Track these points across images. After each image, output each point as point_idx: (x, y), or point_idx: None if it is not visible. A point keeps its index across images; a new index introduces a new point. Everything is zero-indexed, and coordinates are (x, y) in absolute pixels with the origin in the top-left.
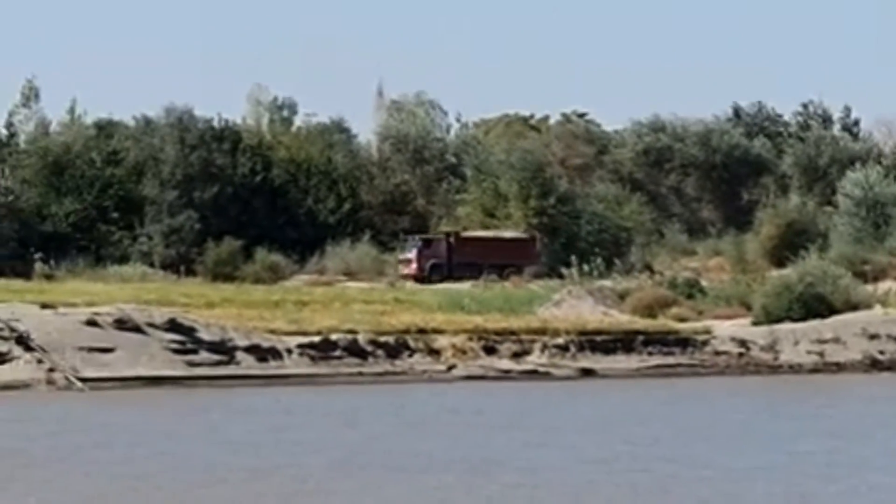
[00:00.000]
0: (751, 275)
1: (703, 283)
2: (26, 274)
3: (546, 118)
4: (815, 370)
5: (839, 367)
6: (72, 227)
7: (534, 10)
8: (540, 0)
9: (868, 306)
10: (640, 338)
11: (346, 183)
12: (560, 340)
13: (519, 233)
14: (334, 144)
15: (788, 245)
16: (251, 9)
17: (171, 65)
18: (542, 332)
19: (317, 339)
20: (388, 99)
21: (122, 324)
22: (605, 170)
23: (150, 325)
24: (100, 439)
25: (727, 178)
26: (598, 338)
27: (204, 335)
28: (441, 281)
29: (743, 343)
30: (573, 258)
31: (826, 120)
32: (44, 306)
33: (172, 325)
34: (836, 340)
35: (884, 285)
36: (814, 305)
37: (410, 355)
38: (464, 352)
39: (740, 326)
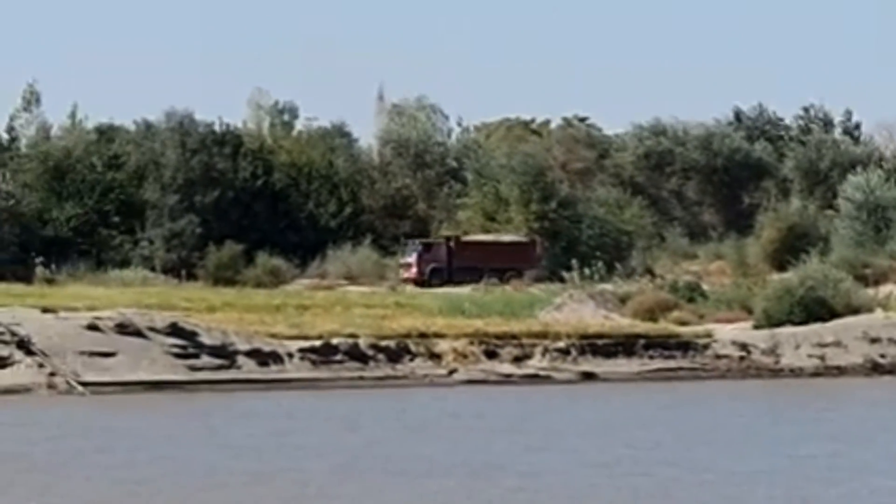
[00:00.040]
0: (752, 278)
1: (705, 286)
2: (27, 278)
3: (547, 122)
4: (816, 374)
5: (840, 371)
6: (73, 231)
7: (535, 14)
8: (541, 4)
9: (869, 310)
10: (642, 341)
11: (347, 187)
12: (561, 344)
13: (519, 237)
14: (335, 149)
15: (789, 249)
16: (252, 13)
17: (172, 69)
18: (543, 335)
19: (318, 343)
20: (389, 103)
21: (123, 328)
22: (606, 174)
23: (152, 329)
24: (101, 444)
25: (728, 182)
26: (600, 341)
27: (205, 339)
28: (441, 285)
29: (744, 347)
30: (574, 262)
31: (827, 124)
32: (45, 311)
33: (174, 330)
34: (838, 344)
35: (885, 289)
36: (815, 309)
37: (411, 359)
38: (465, 356)
39: (741, 330)
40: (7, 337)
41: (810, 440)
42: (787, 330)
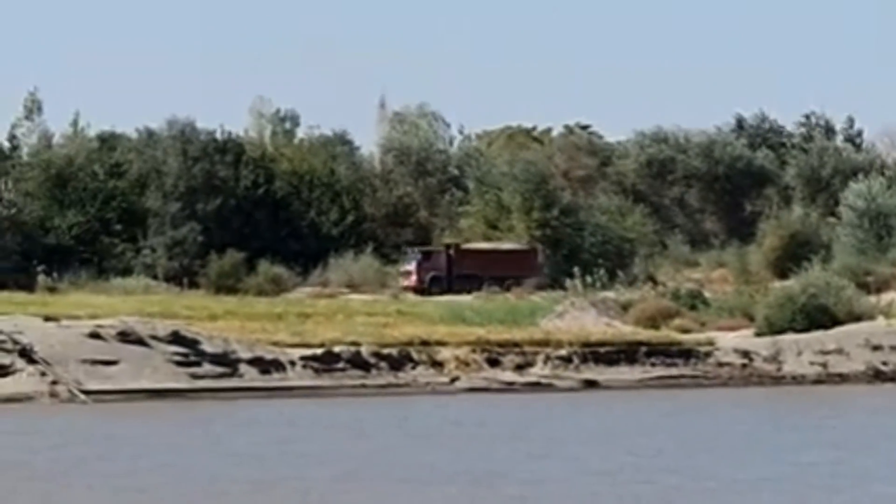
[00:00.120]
0: (754, 286)
1: (706, 294)
2: (29, 286)
3: (549, 130)
4: (818, 381)
5: (842, 378)
6: (75, 239)
7: (536, 21)
8: (543, 12)
9: (871, 317)
10: (644, 349)
11: (348, 195)
12: (563, 352)
13: (519, 245)
14: (337, 156)
15: (791, 256)
16: (254, 21)
17: (173, 77)
18: (545, 343)
19: (320, 351)
20: (391, 111)
21: (125, 336)
22: (608, 181)
23: (154, 337)
24: (103, 452)
25: (730, 190)
26: (602, 349)
27: (207, 347)
28: (441, 293)
29: (746, 354)
30: (576, 270)
31: (829, 131)
32: (47, 319)
33: (175, 338)
34: (840, 351)
35: (887, 296)
36: (817, 316)
37: (413, 367)
38: (467, 364)
39: (743, 338)
40: (9, 345)
41: (812, 448)
42: (789, 337)
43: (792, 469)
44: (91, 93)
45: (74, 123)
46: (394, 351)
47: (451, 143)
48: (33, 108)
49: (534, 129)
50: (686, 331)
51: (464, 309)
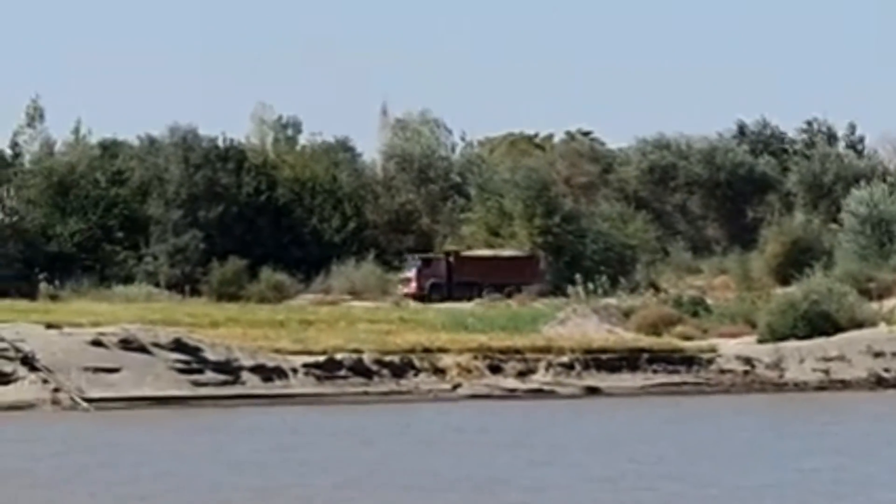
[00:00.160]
0: (756, 293)
1: (708, 301)
2: (31, 294)
3: (550, 136)
4: (820, 388)
5: (844, 385)
6: (77, 247)
7: (538, 28)
8: (544, 18)
9: (873, 324)
10: (646, 356)
11: (350, 202)
12: (565, 359)
13: (519, 252)
14: (339, 163)
15: (793, 263)
16: (255, 28)
17: (175, 84)
18: (547, 350)
19: (322, 358)
20: (393, 118)
21: (127, 344)
22: (610, 188)
23: (156, 345)
24: (105, 459)
25: (732, 196)
26: (604, 356)
27: (209, 355)
28: (441, 300)
29: (748, 361)
30: (578, 276)
31: (831, 137)
32: (49, 326)
33: (178, 345)
34: (842, 358)
35: (889, 303)
36: (819, 323)
37: (416, 374)
38: (469, 371)
39: (745, 344)
40: (11, 353)
41: (815, 454)
42: (792, 344)
43: (794, 476)
44: (93, 100)
45: (76, 131)
46: (396, 358)
47: (453, 149)
48: (35, 115)
49: (536, 135)
50: (688, 338)
51: (466, 316)
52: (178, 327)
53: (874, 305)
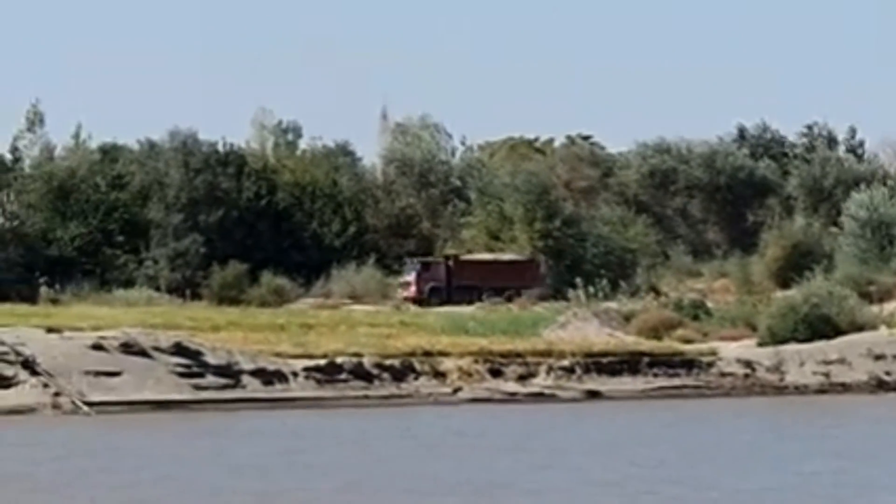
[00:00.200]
0: (756, 296)
1: (709, 304)
2: (32, 298)
3: (551, 141)
4: (820, 391)
5: (845, 388)
6: (77, 251)
7: (539, 32)
8: (544, 23)
9: (873, 327)
10: (646, 359)
11: (351, 206)
12: (566, 362)
13: (519, 256)
14: (339, 168)
15: (794, 266)
16: (255, 32)
17: (175, 88)
18: (547, 354)
19: (322, 362)
20: (393, 122)
21: (127, 348)
22: (610, 192)
23: (156, 348)
24: (106, 464)
25: (732, 200)
26: (604, 360)
27: (210, 359)
28: (440, 304)
29: (748, 364)
30: (578, 280)
31: (831, 141)
32: (49, 330)
33: (178, 349)
34: (842, 361)
35: (889, 306)
36: (819, 326)
37: (416, 378)
38: (469, 374)
39: (746, 348)
40: (12, 357)
41: (815, 457)
42: (792, 347)
43: (795, 479)
44: (93, 105)
45: (76, 135)
46: (396, 362)
47: (453, 154)
48: (35, 119)
49: (536, 140)
50: (688, 341)
51: (466, 320)
52: (178, 331)
53: (874, 309)
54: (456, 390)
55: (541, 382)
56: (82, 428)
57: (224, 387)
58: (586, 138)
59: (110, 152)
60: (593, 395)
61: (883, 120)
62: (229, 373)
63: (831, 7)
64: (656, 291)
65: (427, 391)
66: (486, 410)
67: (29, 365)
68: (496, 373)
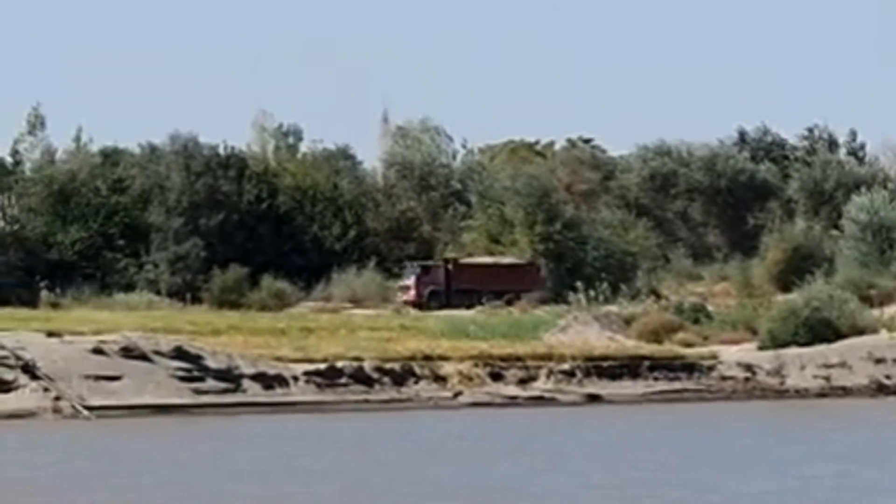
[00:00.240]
0: (757, 300)
1: (709, 308)
2: (32, 302)
3: (551, 144)
4: (821, 395)
5: (845, 392)
6: (78, 255)
7: (539, 35)
8: (545, 26)
9: (874, 331)
10: (647, 363)
11: (351, 210)
12: (566, 366)
13: (518, 259)
14: (340, 171)
15: (794, 270)
16: (255, 35)
17: (176, 92)
18: (548, 357)
19: (323, 366)
20: (394, 125)
21: (128, 352)
22: (611, 195)
23: (157, 352)
24: (106, 468)
25: (733, 203)
26: (605, 363)
27: (210, 363)
28: (440, 308)
29: (749, 368)
30: (579, 284)
31: (832, 144)
32: (50, 334)
33: (179, 353)
34: (843, 365)
35: (890, 310)
36: (820, 330)
37: (416, 382)
38: (470, 378)
39: (746, 351)
40: (12, 361)
41: (816, 461)
42: (793, 351)
43: (796, 483)
44: (94, 108)
45: (77, 139)
46: (397, 366)
47: (453, 157)
48: (36, 123)
49: (536, 143)
50: (689, 345)
51: (467, 323)
52: (179, 335)
53: (875, 312)
54: (456, 394)
55: (541, 386)
56: (83, 432)
57: (224, 391)
58: (587, 141)
59: (111, 156)
60: (594, 398)
61: (884, 123)
62: (230, 377)
63: (831, 9)
64: (657, 295)
65: (427, 395)
66: (487, 414)
67: (29, 369)
68: (497, 376)
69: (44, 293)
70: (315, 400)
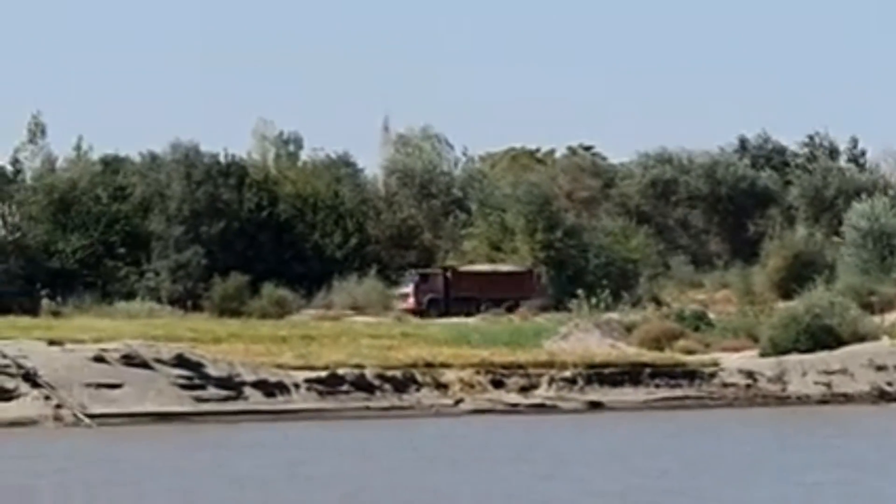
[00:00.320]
0: (758, 307)
1: (711, 315)
2: (33, 310)
3: (552, 151)
4: (822, 401)
5: (847, 399)
6: (78, 263)
7: (540, 43)
8: (546, 34)
9: (875, 337)
10: (648, 370)
11: (352, 217)
12: (567, 374)
13: (517, 267)
14: (341, 179)
15: (795, 277)
16: (257, 44)
17: (177, 100)
18: (549, 365)
19: (324, 373)
20: (395, 133)
21: (129, 360)
22: (612, 202)
23: (158, 360)
24: (107, 476)
25: (733, 210)
26: (606, 371)
27: (211, 371)
28: (439, 315)
29: (750, 375)
30: (580, 291)
31: (832, 151)
32: (51, 343)
33: (180, 361)
34: (844, 372)
35: (890, 316)
36: (821, 337)
37: (418, 389)
38: (471, 386)
39: (748, 358)
40: (13, 369)
41: (817, 467)
42: (794, 358)
43: (797, 490)
44: (94, 116)
45: (78, 147)
46: (398, 373)
47: (454, 165)
48: (37, 131)
49: (537, 150)
50: (690, 352)
51: (468, 331)
52: (180, 343)
53: (876, 319)
54: (458, 402)
55: (543, 393)
56: (84, 440)
57: (225, 398)
58: (588, 149)
59: (112, 164)
60: (595, 405)
61: (884, 130)
62: (231, 384)
63: (832, 17)
64: (658, 302)
65: (429, 402)
66: (488, 422)
67: (30, 377)
68: (498, 384)
69: (45, 301)
70: (316, 407)
